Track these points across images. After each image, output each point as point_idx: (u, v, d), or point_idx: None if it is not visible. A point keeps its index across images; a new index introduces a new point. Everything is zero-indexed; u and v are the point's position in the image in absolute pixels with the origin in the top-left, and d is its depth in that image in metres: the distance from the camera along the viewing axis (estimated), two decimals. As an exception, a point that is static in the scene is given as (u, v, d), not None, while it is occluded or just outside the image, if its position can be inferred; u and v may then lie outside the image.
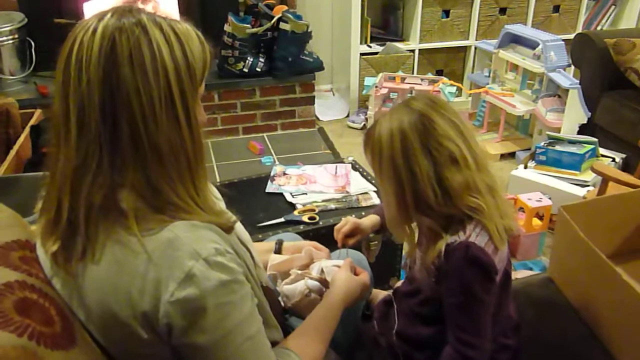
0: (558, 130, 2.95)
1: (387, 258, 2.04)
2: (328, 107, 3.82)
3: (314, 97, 3.54)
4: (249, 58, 3.29)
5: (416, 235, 1.22)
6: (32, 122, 2.56)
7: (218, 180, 2.89)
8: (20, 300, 0.85)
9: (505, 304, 1.24)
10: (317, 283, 1.22)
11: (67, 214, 0.84)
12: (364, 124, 3.59)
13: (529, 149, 3.26)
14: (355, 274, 1.27)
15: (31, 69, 3.24)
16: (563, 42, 3.05)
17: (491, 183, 1.12)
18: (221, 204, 1.09)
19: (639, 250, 1.61)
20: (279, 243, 1.39)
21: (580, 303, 1.44)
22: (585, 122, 2.92)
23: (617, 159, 2.69)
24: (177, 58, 0.82)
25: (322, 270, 1.26)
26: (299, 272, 1.25)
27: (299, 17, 3.30)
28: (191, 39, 0.85)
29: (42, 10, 3.14)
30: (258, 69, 3.32)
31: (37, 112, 2.65)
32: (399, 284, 1.57)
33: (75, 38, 0.82)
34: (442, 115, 1.09)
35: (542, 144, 2.71)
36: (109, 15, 0.83)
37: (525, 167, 2.71)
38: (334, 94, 4.04)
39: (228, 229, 0.90)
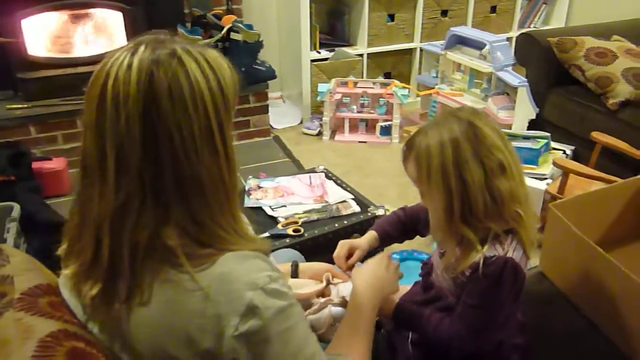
0: (509, 126, 3.08)
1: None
2: (281, 115, 3.81)
3: (267, 105, 3.52)
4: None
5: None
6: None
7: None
8: (70, 351, 0.82)
9: (517, 308, 1.29)
10: (340, 309, 1.22)
11: (108, 255, 0.81)
12: (319, 130, 3.61)
13: (482, 146, 3.38)
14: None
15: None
16: (508, 42, 3.18)
17: (527, 193, 1.16)
18: (250, 228, 1.08)
19: (622, 239, 1.71)
20: (295, 265, 1.39)
21: (577, 294, 1.51)
22: (534, 117, 3.06)
23: (568, 151, 2.83)
24: (212, 88, 0.80)
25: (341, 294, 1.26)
26: (322, 300, 1.24)
27: (250, 27, 3.28)
28: (222, 67, 0.84)
29: (-22, 30, 2.97)
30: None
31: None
32: (402, 293, 1.60)
33: (108, 74, 0.78)
34: (488, 125, 1.13)
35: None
36: (142, 48, 0.80)
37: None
38: (284, 101, 4.04)
39: (267, 254, 0.90)
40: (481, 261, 1.11)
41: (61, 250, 0.92)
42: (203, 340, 0.80)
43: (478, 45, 3.30)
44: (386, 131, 3.53)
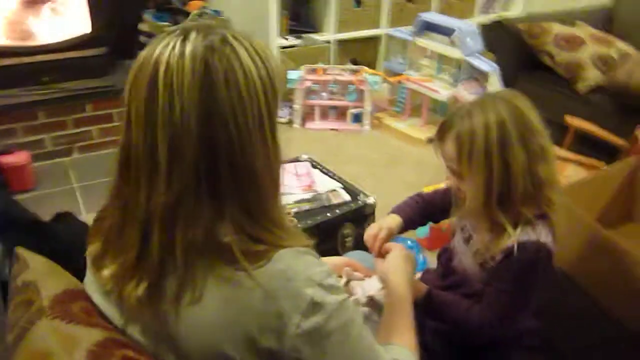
0: (479, 111, 3.13)
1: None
2: (248, 103, 3.73)
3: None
4: (168, 58, 3.13)
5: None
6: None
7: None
8: (123, 360, 0.77)
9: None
10: (367, 310, 1.19)
11: (158, 252, 0.77)
12: (290, 118, 3.56)
13: (452, 131, 3.42)
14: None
15: None
16: (477, 28, 3.22)
17: (559, 180, 1.16)
18: (294, 221, 1.04)
19: (615, 222, 1.76)
20: None
21: (581, 275, 1.55)
22: (504, 102, 3.12)
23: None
24: (262, 76, 0.77)
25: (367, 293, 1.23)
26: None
27: (218, 13, 3.19)
28: (270, 56, 0.81)
29: None
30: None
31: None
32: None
33: (158, 62, 0.74)
34: (530, 108, 1.12)
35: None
36: (193, 35, 0.76)
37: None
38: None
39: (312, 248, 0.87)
40: (515, 246, 1.12)
41: (91, 251, 0.87)
42: (263, 340, 0.77)
43: (445, 31, 3.32)
44: (357, 118, 3.52)
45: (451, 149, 1.15)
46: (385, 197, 2.83)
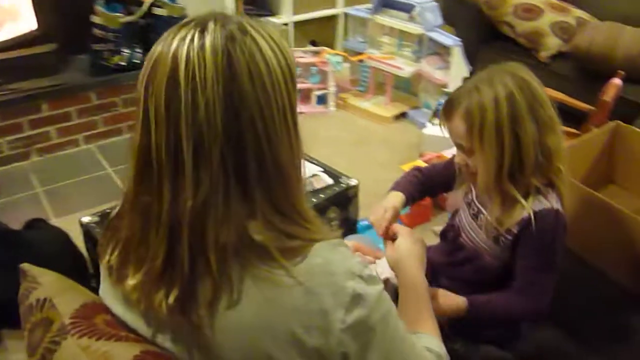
0: (444, 86, 3.15)
1: (346, 234, 2.05)
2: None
3: (198, 83, 3.35)
4: (125, 50, 3.01)
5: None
6: None
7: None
8: (165, 374, 0.73)
9: None
10: None
11: (189, 258, 0.72)
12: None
13: (417, 107, 3.44)
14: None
15: None
16: (436, 3, 3.23)
17: (566, 148, 1.17)
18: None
19: (596, 186, 1.80)
20: None
21: (570, 238, 1.59)
22: (468, 75, 3.14)
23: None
24: (282, 65, 0.74)
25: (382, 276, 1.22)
26: None
27: (173, 0, 3.08)
28: (285, 44, 0.77)
29: None
30: (137, 61, 3.05)
31: None
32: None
33: (177, 56, 0.69)
34: (535, 80, 1.13)
35: (442, 101, 2.86)
36: (211, 25, 0.72)
37: (433, 125, 2.86)
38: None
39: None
40: (532, 216, 1.12)
41: (108, 261, 0.82)
42: (310, 338, 0.74)
43: (404, 7, 3.32)
44: (322, 100, 3.49)
45: (460, 126, 1.15)
46: (360, 177, 2.83)
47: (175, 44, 0.71)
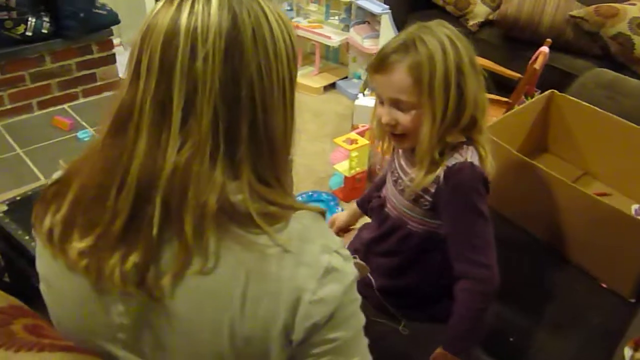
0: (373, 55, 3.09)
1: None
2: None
3: (114, 55, 3.14)
4: (30, 19, 2.75)
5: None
6: None
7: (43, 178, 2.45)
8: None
9: None
10: None
11: (160, 220, 0.65)
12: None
13: (347, 77, 3.38)
14: None
15: None
16: (363, -31, 3.15)
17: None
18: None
19: (532, 154, 1.81)
20: None
21: (509, 209, 1.58)
22: (397, 44, 3.11)
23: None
24: (287, 42, 0.72)
25: None
26: None
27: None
28: (291, 26, 0.74)
29: None
30: (44, 31, 2.80)
31: None
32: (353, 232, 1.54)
33: (181, 6, 0.66)
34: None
35: (373, 71, 2.81)
36: None
37: (364, 96, 2.80)
38: (125, 49, 3.63)
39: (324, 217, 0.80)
40: (440, 174, 1.11)
41: (46, 226, 0.71)
42: (279, 309, 0.67)
43: (331, -25, 3.23)
44: (249, 71, 3.35)
45: (405, 79, 1.08)
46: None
47: None
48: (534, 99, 1.82)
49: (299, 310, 0.67)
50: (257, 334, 0.67)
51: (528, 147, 1.82)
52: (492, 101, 2.39)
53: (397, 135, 1.17)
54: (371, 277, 1.33)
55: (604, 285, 1.50)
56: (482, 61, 2.54)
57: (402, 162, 1.25)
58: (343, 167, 2.41)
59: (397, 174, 1.25)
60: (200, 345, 0.68)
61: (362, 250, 1.37)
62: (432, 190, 1.14)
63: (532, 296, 1.46)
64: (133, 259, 0.65)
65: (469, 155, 1.12)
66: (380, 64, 1.12)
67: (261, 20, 0.68)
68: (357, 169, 2.39)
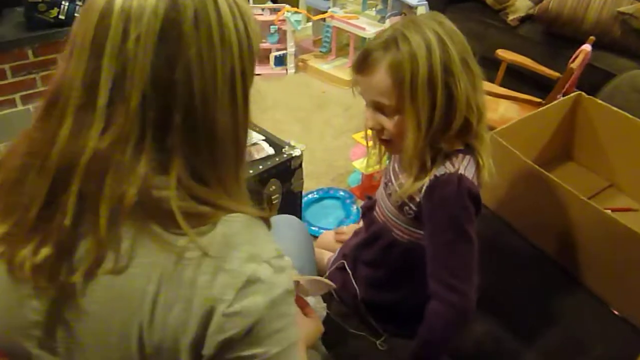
0: (408, 48, 2.97)
1: (289, 209, 1.91)
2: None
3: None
4: (63, 2, 2.78)
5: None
6: None
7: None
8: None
9: None
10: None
11: (75, 209, 0.62)
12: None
13: (381, 71, 3.27)
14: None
15: None
16: (402, -41, 3.02)
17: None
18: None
19: (553, 161, 1.67)
20: None
21: (520, 222, 1.46)
22: (433, 38, 2.97)
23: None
24: (240, 30, 0.67)
25: None
26: None
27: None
28: (250, 14, 0.70)
29: None
30: (77, 14, 2.83)
31: None
32: (331, 235, 1.48)
33: None
34: (456, 28, 1.01)
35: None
36: None
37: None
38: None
39: (269, 225, 0.73)
40: (426, 183, 1.02)
41: None
42: (190, 318, 0.61)
43: (370, -36, 3.12)
44: (280, 61, 3.30)
45: (384, 81, 1.00)
46: (313, 144, 2.66)
47: None
48: (556, 101, 1.67)
49: (211, 322, 0.61)
50: (166, 344, 0.62)
51: (550, 153, 1.68)
52: (524, 102, 2.23)
53: (385, 141, 1.09)
54: (356, 287, 1.26)
55: (616, 312, 1.36)
56: (518, 58, 2.40)
57: (396, 166, 1.17)
58: (361, 164, 2.32)
59: (388, 177, 1.18)
60: (110, 349, 0.64)
61: (351, 256, 1.31)
62: (417, 199, 1.06)
63: (533, 317, 1.34)
64: (45, 251, 0.62)
65: (463, 165, 1.02)
66: (360, 63, 1.04)
67: (207, 3, 0.63)
68: (376, 166, 2.29)
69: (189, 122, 0.63)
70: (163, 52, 0.61)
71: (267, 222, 0.71)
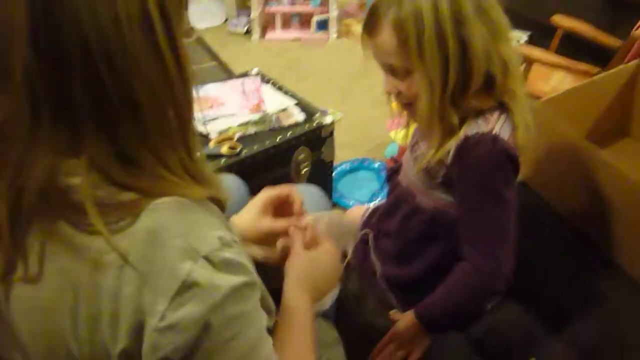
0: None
1: (319, 179, 1.82)
2: (201, 12, 3.37)
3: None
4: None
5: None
6: None
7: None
8: None
9: None
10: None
11: None
12: (248, 28, 3.22)
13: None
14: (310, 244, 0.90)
15: None
16: None
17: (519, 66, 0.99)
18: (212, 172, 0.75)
19: (608, 136, 1.52)
20: None
21: (564, 203, 1.32)
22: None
23: (524, 38, 2.61)
24: None
25: None
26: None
27: None
28: None
29: None
30: None
31: None
32: (363, 210, 1.39)
33: None
34: None
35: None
36: None
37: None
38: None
39: (223, 206, 0.62)
40: (456, 144, 0.94)
41: None
42: (117, 335, 0.53)
43: None
44: (323, 25, 3.18)
45: (390, 41, 0.92)
46: (352, 113, 2.55)
47: None
48: (613, 69, 1.51)
49: (143, 339, 0.52)
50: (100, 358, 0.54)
51: (603, 127, 1.53)
52: (580, 72, 2.06)
53: (405, 104, 1.01)
54: (377, 263, 1.19)
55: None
56: (575, 24, 2.21)
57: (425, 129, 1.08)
58: (398, 135, 2.20)
59: (416, 138, 1.11)
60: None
61: (375, 229, 1.23)
62: (447, 162, 0.97)
63: (569, 310, 1.21)
64: None
65: (499, 123, 0.94)
66: (367, 23, 0.96)
67: None
68: (414, 137, 2.17)
69: (96, 89, 0.52)
70: (38, 7, 0.50)
71: (219, 203, 0.61)
